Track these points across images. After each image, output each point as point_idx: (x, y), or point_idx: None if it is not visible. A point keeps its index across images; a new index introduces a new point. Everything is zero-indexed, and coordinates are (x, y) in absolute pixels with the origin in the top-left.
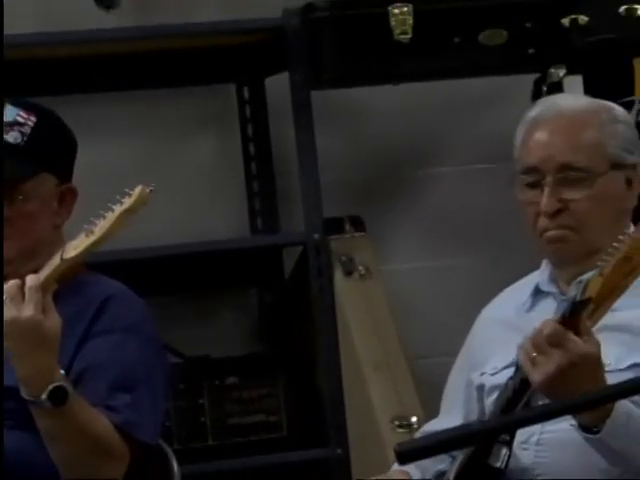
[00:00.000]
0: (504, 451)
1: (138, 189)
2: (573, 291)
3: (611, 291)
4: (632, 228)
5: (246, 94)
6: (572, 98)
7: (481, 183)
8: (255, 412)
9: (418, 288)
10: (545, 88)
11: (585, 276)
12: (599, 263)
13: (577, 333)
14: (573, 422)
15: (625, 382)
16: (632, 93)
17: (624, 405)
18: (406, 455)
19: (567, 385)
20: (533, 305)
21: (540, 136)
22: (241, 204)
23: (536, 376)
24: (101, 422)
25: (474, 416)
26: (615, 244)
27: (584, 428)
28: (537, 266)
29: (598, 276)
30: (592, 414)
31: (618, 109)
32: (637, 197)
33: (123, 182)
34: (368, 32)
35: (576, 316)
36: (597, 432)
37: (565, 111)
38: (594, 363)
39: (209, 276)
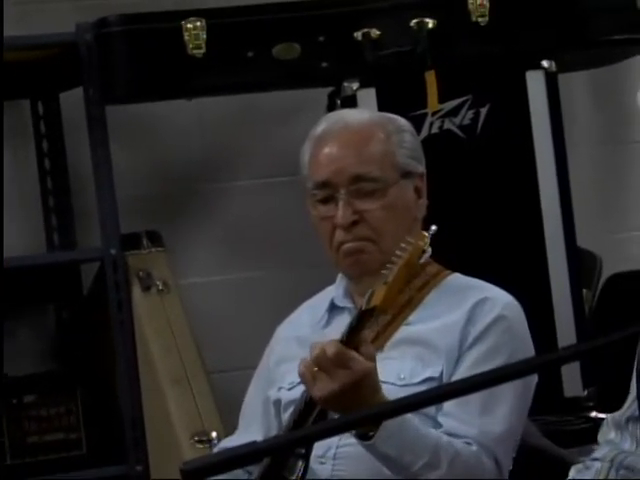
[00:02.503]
0: (300, 464)
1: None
2: (364, 303)
3: (395, 298)
4: None
5: (40, 109)
6: (356, 112)
7: (277, 196)
8: (54, 430)
9: (216, 302)
10: (339, 101)
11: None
12: (383, 272)
13: (357, 348)
14: None
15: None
16: (424, 106)
17: None
18: (193, 473)
19: (350, 400)
20: (329, 321)
21: (329, 151)
22: (37, 220)
23: (318, 392)
24: None
25: (274, 432)
26: (398, 252)
27: (359, 435)
28: (334, 279)
29: (382, 284)
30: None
31: (401, 120)
32: (426, 207)
33: None
34: (161, 47)
35: (360, 328)
36: (370, 438)
37: (351, 125)
38: (373, 376)
39: (6, 292)
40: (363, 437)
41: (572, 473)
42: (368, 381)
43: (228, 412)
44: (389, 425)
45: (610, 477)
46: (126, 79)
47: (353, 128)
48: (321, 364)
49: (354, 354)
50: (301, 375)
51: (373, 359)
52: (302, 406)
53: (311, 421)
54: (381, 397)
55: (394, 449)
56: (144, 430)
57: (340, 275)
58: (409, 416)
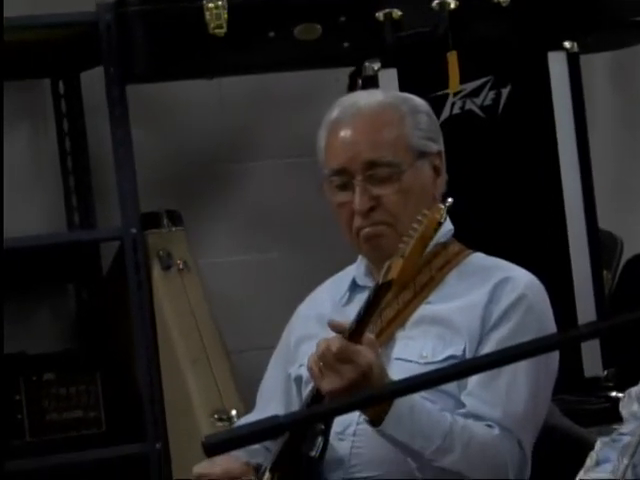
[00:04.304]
0: (319, 440)
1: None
2: (381, 277)
3: (413, 271)
4: None
5: (61, 89)
6: (369, 94)
7: (298, 177)
8: (73, 408)
9: (236, 282)
10: (360, 82)
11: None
12: (400, 245)
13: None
14: None
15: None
16: (446, 87)
17: (410, 398)
18: (213, 447)
19: (358, 392)
20: (350, 299)
21: (343, 137)
22: (57, 199)
23: (326, 387)
24: None
25: (295, 409)
26: (414, 225)
27: (370, 421)
28: (354, 260)
29: (399, 258)
30: (376, 407)
31: (416, 99)
32: (445, 183)
33: None
34: (182, 26)
35: (377, 302)
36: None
37: (364, 109)
38: (379, 367)
39: (26, 272)
40: (375, 423)
41: (598, 445)
42: (374, 372)
43: (247, 391)
44: (399, 410)
45: (639, 451)
46: (146, 58)
47: (366, 112)
48: (326, 360)
49: (358, 348)
50: (309, 370)
51: (376, 349)
52: (310, 400)
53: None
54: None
55: (405, 434)
56: (163, 408)
57: (361, 255)
58: (421, 401)
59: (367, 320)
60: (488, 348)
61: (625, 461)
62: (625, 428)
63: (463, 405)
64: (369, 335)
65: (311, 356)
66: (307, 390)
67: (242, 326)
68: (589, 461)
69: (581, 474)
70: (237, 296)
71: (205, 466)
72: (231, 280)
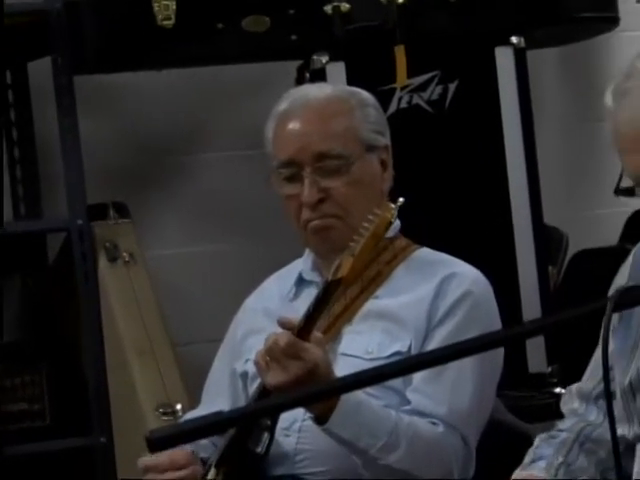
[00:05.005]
0: (265, 436)
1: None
2: (330, 274)
3: (362, 270)
4: None
5: (8, 78)
6: (318, 87)
7: (246, 169)
8: (17, 400)
9: (183, 274)
10: (308, 75)
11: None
12: (351, 244)
13: (311, 334)
14: None
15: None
16: (393, 81)
17: (356, 395)
18: (157, 443)
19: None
20: (297, 294)
21: (292, 128)
22: (4, 189)
23: (271, 381)
24: None
25: (241, 404)
26: (365, 224)
27: (315, 419)
28: (301, 253)
29: (349, 256)
30: (322, 405)
31: (364, 93)
32: (392, 178)
33: None
34: (131, 17)
35: (326, 300)
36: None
37: (314, 101)
38: (326, 366)
39: None
40: (321, 421)
41: (536, 442)
42: (320, 370)
43: (194, 384)
44: (345, 408)
45: (574, 450)
46: (95, 49)
47: (315, 104)
48: (273, 355)
49: (305, 345)
50: (255, 364)
51: (323, 347)
52: (257, 395)
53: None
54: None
55: (350, 432)
56: (108, 401)
57: (308, 249)
58: (367, 399)
59: (316, 317)
60: (433, 344)
61: (560, 459)
62: (563, 425)
63: (408, 401)
64: (317, 333)
65: (259, 351)
66: (253, 386)
67: (190, 318)
68: (527, 458)
69: (517, 471)
70: (185, 288)
71: (151, 458)
72: (180, 272)
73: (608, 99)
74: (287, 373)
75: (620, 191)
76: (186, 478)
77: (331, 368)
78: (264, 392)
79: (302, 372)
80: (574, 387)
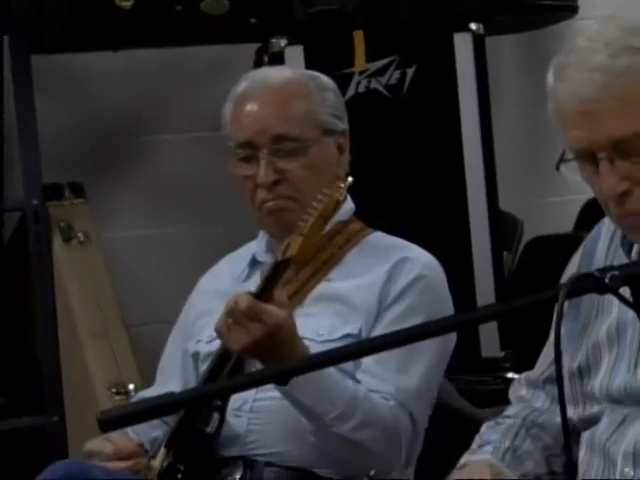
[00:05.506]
0: (215, 416)
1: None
2: (280, 254)
3: (312, 250)
4: None
5: None
6: (277, 70)
7: (203, 152)
8: None
9: (138, 256)
10: (267, 58)
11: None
12: (300, 223)
13: (272, 300)
14: None
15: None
16: (352, 65)
17: None
18: (109, 423)
19: (266, 349)
20: (249, 275)
21: (251, 110)
22: None
23: (234, 345)
24: None
25: (192, 385)
26: (314, 203)
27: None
28: (257, 235)
29: (298, 236)
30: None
31: (323, 77)
32: (348, 163)
33: None
34: None
35: (275, 279)
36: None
37: (273, 83)
38: (289, 328)
39: None
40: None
41: (483, 429)
42: (283, 332)
43: (148, 365)
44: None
45: (520, 434)
46: (53, 29)
47: (274, 87)
48: (235, 317)
49: (266, 307)
50: (217, 328)
51: (288, 311)
52: (218, 358)
53: (226, 373)
54: (299, 344)
55: (309, 397)
56: (61, 381)
57: (262, 231)
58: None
59: (263, 297)
60: (382, 326)
61: (506, 443)
62: (509, 411)
63: (358, 382)
64: (281, 296)
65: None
66: (204, 366)
67: (145, 299)
68: (474, 444)
69: (465, 456)
70: (140, 269)
71: (97, 443)
72: (135, 253)
73: (549, 79)
74: (249, 335)
75: (561, 165)
76: (127, 469)
77: (295, 330)
78: (225, 357)
79: (264, 334)
80: (523, 376)
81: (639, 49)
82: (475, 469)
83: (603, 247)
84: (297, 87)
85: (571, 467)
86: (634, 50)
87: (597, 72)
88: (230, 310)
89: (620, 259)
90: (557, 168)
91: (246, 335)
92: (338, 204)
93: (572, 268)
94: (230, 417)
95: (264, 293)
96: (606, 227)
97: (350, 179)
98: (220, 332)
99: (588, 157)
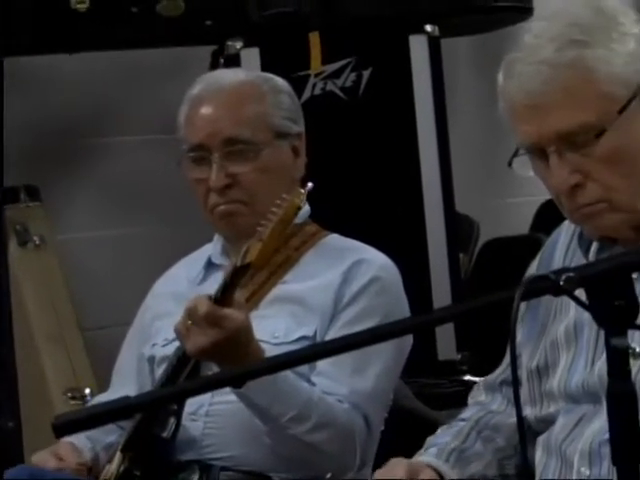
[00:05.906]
0: (171, 420)
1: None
2: (239, 259)
3: (270, 255)
4: None
5: None
6: (232, 72)
7: (158, 154)
8: None
9: (94, 258)
10: (222, 60)
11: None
12: (259, 229)
13: (231, 305)
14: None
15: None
16: (307, 67)
17: None
18: (63, 428)
19: (224, 353)
20: (205, 278)
21: (204, 113)
22: None
23: (191, 347)
24: None
25: (148, 389)
26: (273, 209)
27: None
28: (213, 237)
29: (258, 241)
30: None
31: (278, 80)
32: (304, 165)
33: None
34: (45, 0)
35: (234, 285)
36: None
37: (226, 86)
38: (247, 332)
39: None
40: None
41: (438, 432)
42: (241, 336)
43: (104, 369)
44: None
45: (471, 436)
46: (7, 31)
47: (227, 90)
48: (193, 319)
49: (225, 312)
50: (176, 329)
51: (246, 315)
52: (175, 361)
53: (184, 377)
54: (255, 346)
55: (265, 399)
56: (17, 386)
57: (217, 233)
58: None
59: (223, 302)
60: (336, 327)
61: (453, 444)
62: (464, 414)
63: (313, 385)
64: (240, 299)
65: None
66: (160, 370)
67: (100, 303)
68: (424, 446)
69: (414, 458)
70: (96, 272)
71: (42, 458)
72: (90, 256)
73: (499, 78)
74: (207, 338)
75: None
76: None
77: (251, 332)
78: (182, 360)
79: (221, 337)
80: (482, 381)
81: (584, 42)
82: (391, 467)
83: (562, 249)
84: (250, 89)
85: (525, 468)
86: (579, 43)
87: (544, 64)
88: (189, 312)
89: (579, 260)
90: (509, 164)
91: (204, 338)
92: (298, 210)
93: (531, 270)
94: (186, 421)
95: (223, 297)
96: (565, 230)
97: (310, 185)
98: (179, 333)
99: (539, 152)
